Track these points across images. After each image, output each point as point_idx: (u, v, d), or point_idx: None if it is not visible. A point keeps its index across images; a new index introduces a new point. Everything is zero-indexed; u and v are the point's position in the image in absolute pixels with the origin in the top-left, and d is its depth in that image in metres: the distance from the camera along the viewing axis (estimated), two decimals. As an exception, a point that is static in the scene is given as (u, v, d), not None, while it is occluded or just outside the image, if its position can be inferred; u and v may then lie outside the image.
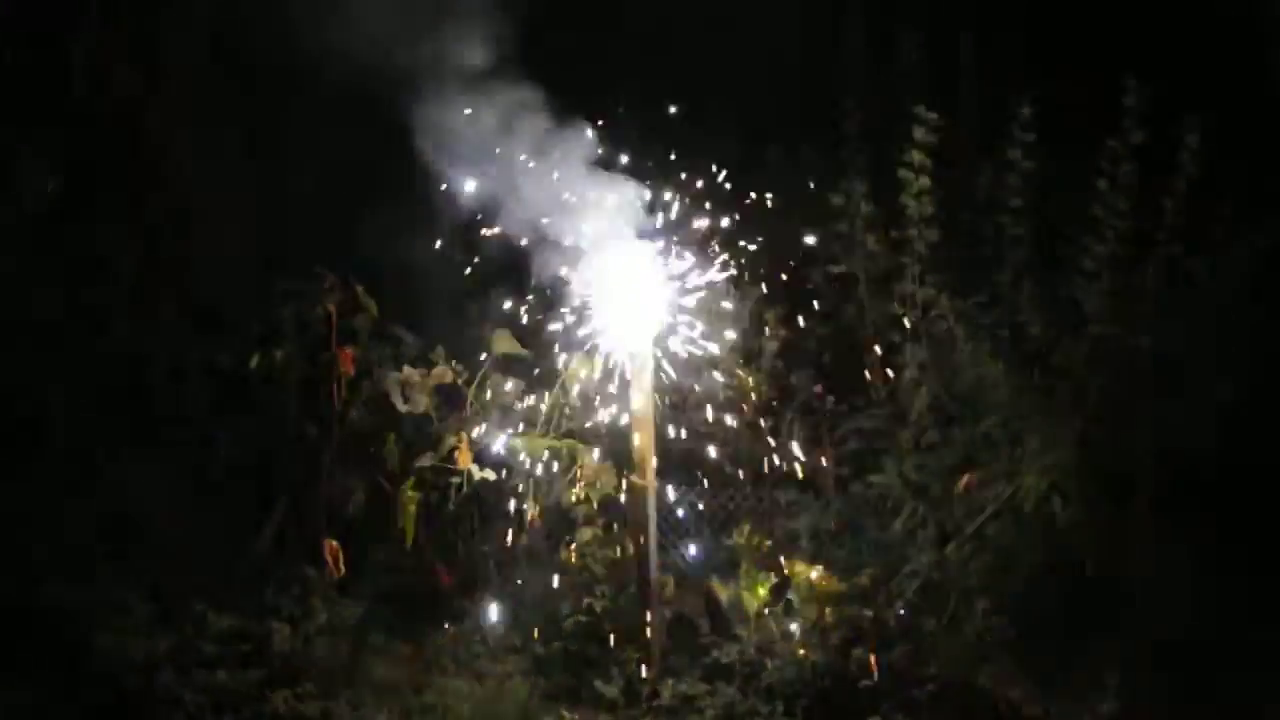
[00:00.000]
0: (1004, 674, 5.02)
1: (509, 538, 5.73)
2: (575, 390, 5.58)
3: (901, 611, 5.10)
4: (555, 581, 5.52)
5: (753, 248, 5.59)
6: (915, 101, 5.94)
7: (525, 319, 5.62)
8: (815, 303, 6.29)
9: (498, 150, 5.32)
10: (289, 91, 6.33)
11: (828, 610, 5.15)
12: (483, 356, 5.71)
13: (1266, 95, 6.09)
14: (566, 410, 5.68)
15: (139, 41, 6.17)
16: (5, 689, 4.84)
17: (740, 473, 5.96)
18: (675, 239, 5.22)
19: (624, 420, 5.31)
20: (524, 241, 5.32)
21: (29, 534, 5.35)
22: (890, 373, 5.95)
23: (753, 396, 5.99)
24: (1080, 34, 6.77)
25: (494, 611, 5.60)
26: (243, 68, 6.25)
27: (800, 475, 5.95)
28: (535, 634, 5.49)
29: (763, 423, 5.98)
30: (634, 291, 5.11)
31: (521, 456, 5.64)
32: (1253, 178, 5.84)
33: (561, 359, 5.51)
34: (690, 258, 5.22)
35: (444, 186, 5.54)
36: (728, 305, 5.57)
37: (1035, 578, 5.16)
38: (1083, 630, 5.07)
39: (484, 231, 5.52)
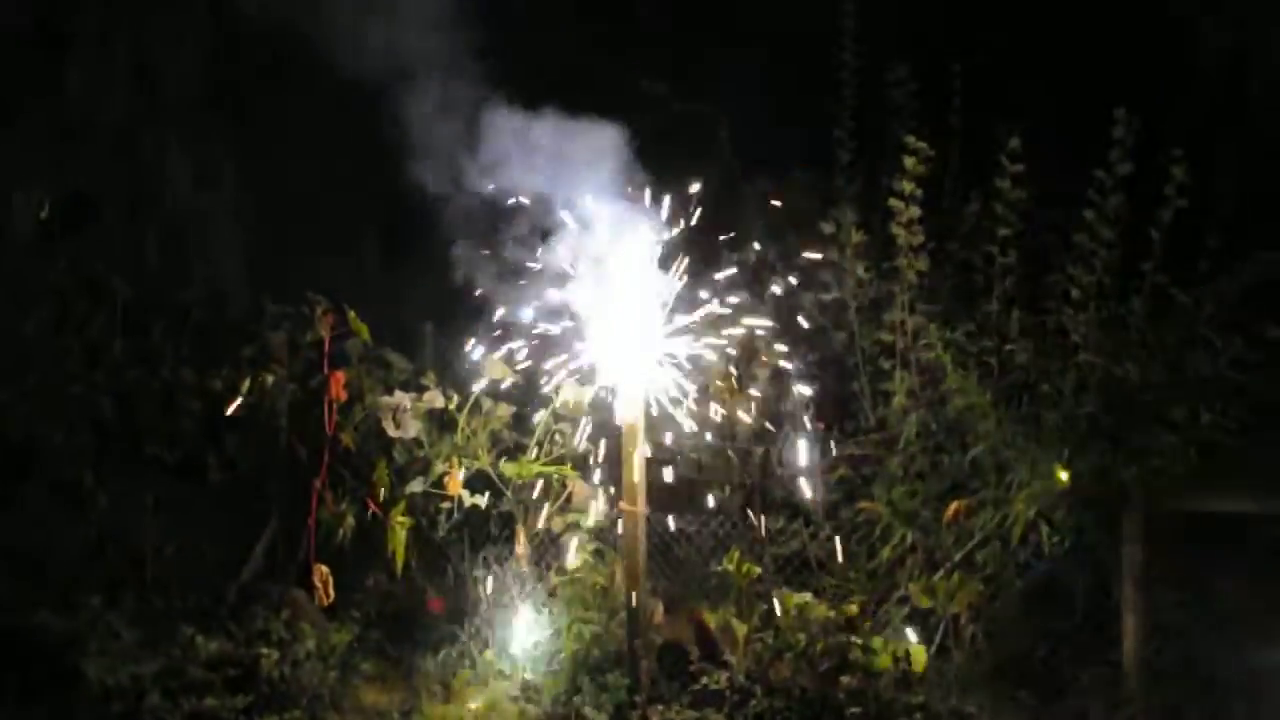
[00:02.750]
0: (992, 702, 5.03)
1: (499, 563, 5.73)
2: (566, 416, 5.60)
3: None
4: (545, 607, 5.52)
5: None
6: (905, 131, 6.00)
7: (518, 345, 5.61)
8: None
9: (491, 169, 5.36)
10: (286, 114, 6.37)
11: (816, 637, 5.17)
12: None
13: (1251, 127, 6.15)
14: (557, 436, 5.70)
15: (134, 64, 6.21)
16: (-4, 714, 4.84)
17: (730, 499, 5.95)
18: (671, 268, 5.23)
19: (614, 446, 5.32)
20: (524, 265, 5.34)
21: (19, 561, 5.36)
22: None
23: (743, 423, 5.99)
24: (1069, 66, 6.84)
25: (483, 637, 5.60)
26: (238, 89, 6.28)
27: (789, 502, 5.96)
28: (525, 660, 5.49)
29: (753, 449, 5.99)
30: (627, 321, 5.12)
31: (512, 482, 5.66)
32: (1239, 210, 5.90)
33: (553, 385, 5.51)
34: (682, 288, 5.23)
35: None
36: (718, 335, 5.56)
37: (1024, 605, 5.17)
38: (1071, 658, 5.08)
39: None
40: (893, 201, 5.82)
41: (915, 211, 5.80)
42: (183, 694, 4.98)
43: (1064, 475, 4.92)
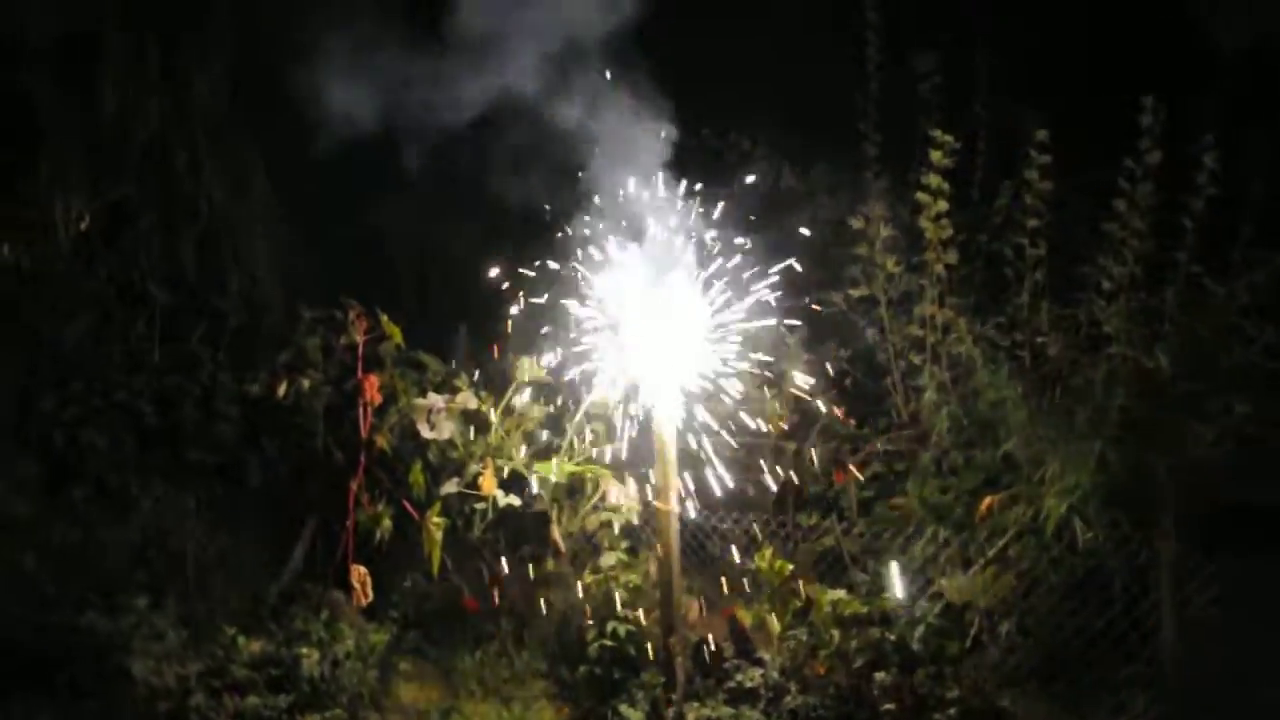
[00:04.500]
0: (1027, 698, 5.03)
1: (533, 562, 5.79)
2: (598, 416, 5.63)
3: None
4: (580, 606, 5.57)
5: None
6: (932, 125, 5.99)
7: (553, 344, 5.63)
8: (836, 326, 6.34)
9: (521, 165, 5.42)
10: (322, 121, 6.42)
11: (850, 633, 5.18)
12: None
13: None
14: (590, 435, 5.74)
15: (168, 75, 6.30)
16: (45, 713, 4.94)
17: (763, 496, 5.97)
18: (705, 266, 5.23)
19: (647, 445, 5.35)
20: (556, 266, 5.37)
21: (66, 563, 5.47)
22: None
23: (775, 420, 6.00)
24: (1097, 55, 6.80)
25: (520, 636, 5.66)
26: (267, 99, 6.33)
27: (822, 498, 5.97)
28: (560, 658, 5.54)
29: (785, 446, 6.00)
30: (660, 319, 5.14)
31: (546, 482, 5.70)
32: (1271, 197, 5.84)
33: (586, 386, 5.54)
34: (718, 286, 5.24)
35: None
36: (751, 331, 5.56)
37: (1058, 600, 5.15)
38: (1107, 653, 5.07)
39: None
40: (920, 195, 5.82)
41: (943, 205, 5.79)
42: (226, 693, 5.07)
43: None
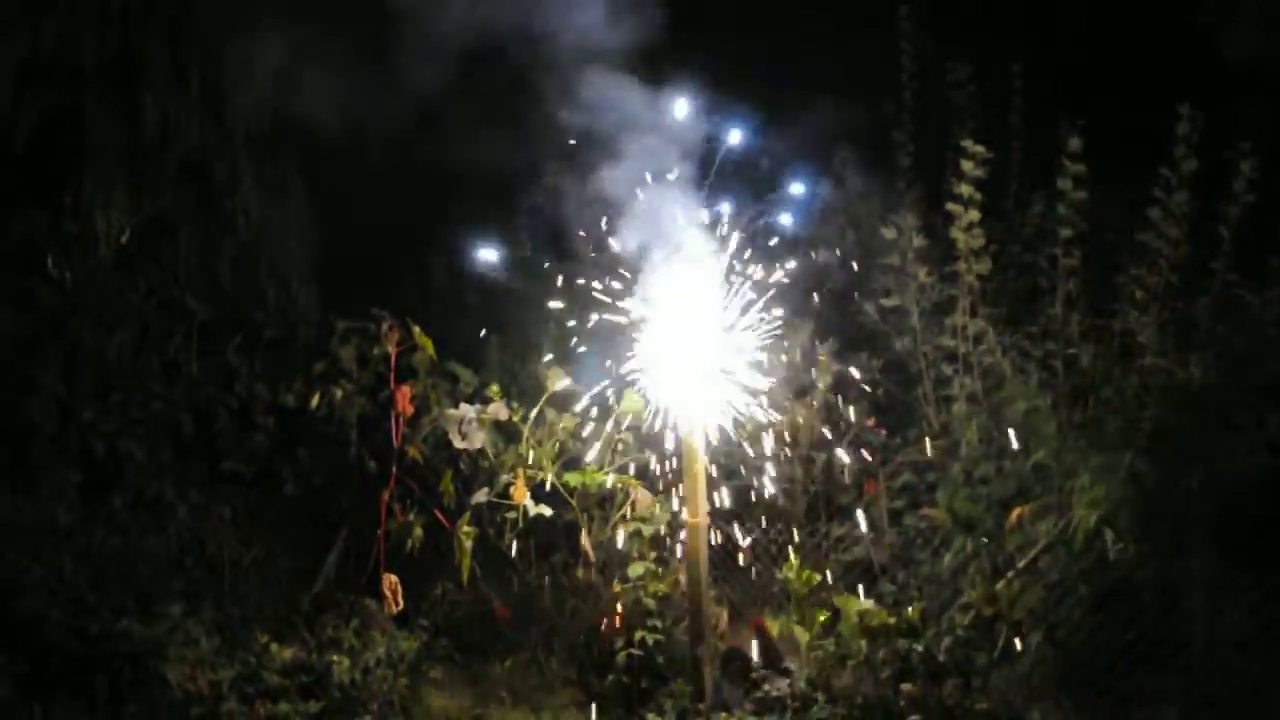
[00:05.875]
0: (1057, 709, 4.98)
1: (563, 572, 5.81)
2: (627, 426, 5.65)
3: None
4: (609, 615, 5.58)
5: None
6: (965, 133, 5.96)
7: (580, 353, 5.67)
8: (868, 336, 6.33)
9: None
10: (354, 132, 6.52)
11: (878, 644, 5.16)
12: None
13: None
14: (619, 446, 5.75)
15: (207, 92, 6.42)
16: (84, 718, 5.04)
17: (792, 506, 5.96)
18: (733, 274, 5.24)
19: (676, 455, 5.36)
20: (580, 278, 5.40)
21: (105, 570, 5.57)
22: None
23: (805, 430, 5.99)
24: (1131, 62, 6.74)
25: (549, 644, 5.69)
26: (303, 113, 6.43)
27: (850, 508, 5.94)
28: (589, 666, 5.56)
29: (815, 456, 5.99)
30: (688, 328, 5.16)
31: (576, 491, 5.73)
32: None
33: (615, 395, 5.57)
34: (746, 293, 5.24)
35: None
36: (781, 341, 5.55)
37: (1088, 612, 5.10)
38: (1137, 665, 5.00)
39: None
40: (951, 206, 5.79)
41: (975, 215, 5.75)
42: (258, 699, 5.14)
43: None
